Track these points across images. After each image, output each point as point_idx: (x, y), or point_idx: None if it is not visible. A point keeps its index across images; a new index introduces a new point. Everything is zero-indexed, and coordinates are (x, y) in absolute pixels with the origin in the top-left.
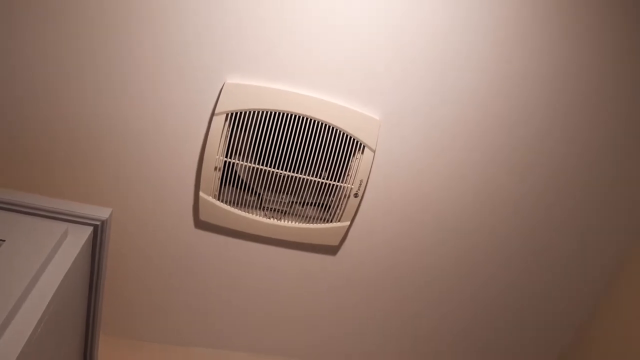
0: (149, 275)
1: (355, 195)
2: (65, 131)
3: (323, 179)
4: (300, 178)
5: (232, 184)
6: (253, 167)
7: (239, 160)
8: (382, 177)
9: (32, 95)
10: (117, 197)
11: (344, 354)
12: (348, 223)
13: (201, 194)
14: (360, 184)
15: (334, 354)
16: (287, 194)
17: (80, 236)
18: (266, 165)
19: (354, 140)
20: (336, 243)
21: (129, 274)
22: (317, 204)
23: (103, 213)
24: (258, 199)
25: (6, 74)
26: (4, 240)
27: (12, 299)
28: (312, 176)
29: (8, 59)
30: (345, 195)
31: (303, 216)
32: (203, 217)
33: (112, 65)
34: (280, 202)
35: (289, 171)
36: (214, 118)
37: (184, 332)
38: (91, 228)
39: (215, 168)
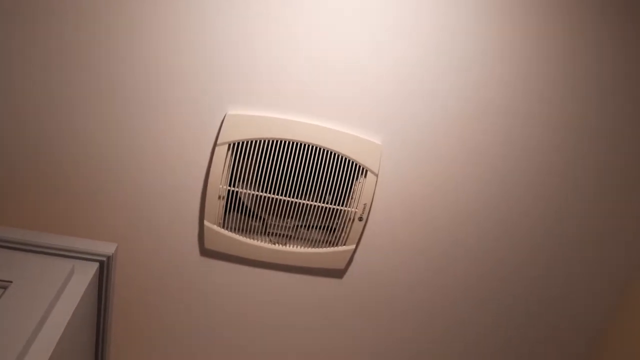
0: (156, 305)
1: (360, 219)
2: (67, 165)
3: (327, 203)
4: (304, 204)
5: (236, 210)
6: (257, 195)
7: (242, 188)
8: (386, 200)
9: (33, 131)
10: (121, 229)
11: None
12: (353, 246)
13: (206, 222)
14: (364, 208)
15: None
16: (292, 218)
17: (87, 273)
18: (270, 193)
19: (356, 165)
20: (342, 266)
21: (135, 303)
22: (322, 228)
23: (108, 249)
24: (263, 224)
25: (5, 109)
26: (10, 282)
27: (21, 339)
28: (316, 201)
29: (6, 94)
30: (349, 219)
31: (308, 240)
32: (208, 245)
33: (114, 96)
34: (285, 226)
35: (293, 197)
36: (217, 148)
37: (190, 359)
38: (97, 264)
39: (219, 197)
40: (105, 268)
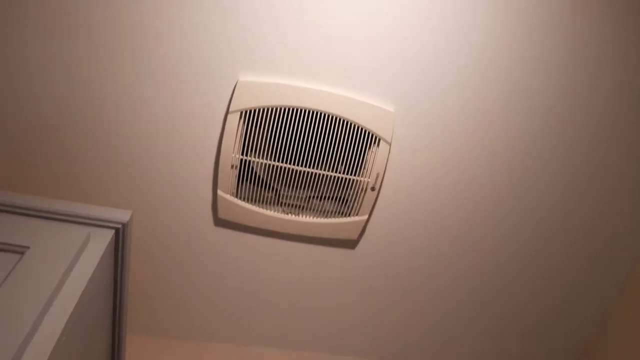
0: (171, 274)
1: (373, 189)
2: (83, 134)
3: (339, 173)
4: (316, 173)
5: (249, 180)
6: (269, 164)
7: (255, 157)
8: (399, 170)
9: (50, 100)
10: (136, 198)
11: (364, 348)
12: (366, 217)
13: (219, 192)
14: (377, 177)
15: (355, 348)
16: (305, 189)
17: (102, 240)
18: (282, 162)
19: (369, 133)
20: (355, 237)
21: (150, 273)
22: (334, 198)
23: (124, 216)
24: (276, 194)
25: (24, 81)
26: (28, 247)
27: (38, 305)
28: (329, 171)
29: (26, 66)
30: (362, 188)
31: (321, 211)
32: (222, 214)
33: (127, 66)
34: (298, 197)
35: (306, 167)
36: (229, 116)
37: (206, 328)
38: (113, 231)
39: (232, 166)
40: (120, 235)
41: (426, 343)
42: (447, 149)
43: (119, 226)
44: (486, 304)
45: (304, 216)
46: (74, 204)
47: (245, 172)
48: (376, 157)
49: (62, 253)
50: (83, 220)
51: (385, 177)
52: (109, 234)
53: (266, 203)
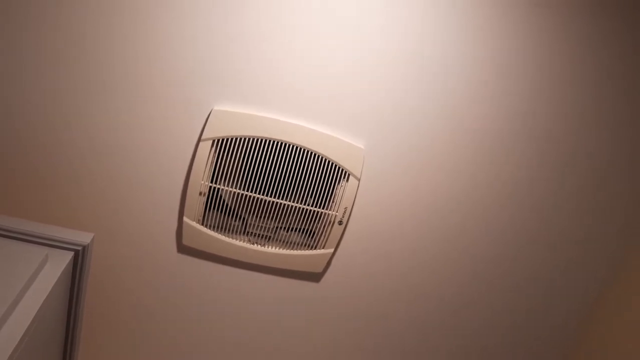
0: (130, 301)
1: (340, 223)
2: (47, 154)
3: (308, 205)
4: (285, 204)
5: (217, 208)
6: (238, 193)
7: (224, 185)
8: (367, 205)
9: (13, 117)
10: (99, 221)
11: None
12: (332, 250)
13: (185, 218)
14: (344, 212)
15: None
16: (272, 219)
17: (61, 261)
18: (252, 191)
19: (339, 168)
20: (320, 270)
21: (109, 299)
22: (301, 230)
23: (84, 238)
24: (243, 223)
25: None
26: None
27: None
28: (297, 203)
29: None
30: (329, 222)
31: (287, 242)
32: (186, 242)
33: (97, 87)
34: (265, 227)
35: (274, 197)
36: (200, 144)
37: None
38: (72, 253)
39: (200, 193)
40: (80, 258)
41: None
42: (416, 187)
43: (79, 248)
44: (453, 334)
45: (270, 247)
46: (32, 223)
47: (213, 200)
48: (345, 191)
49: (17, 273)
50: (41, 241)
51: (352, 212)
52: (68, 256)
53: (233, 232)
